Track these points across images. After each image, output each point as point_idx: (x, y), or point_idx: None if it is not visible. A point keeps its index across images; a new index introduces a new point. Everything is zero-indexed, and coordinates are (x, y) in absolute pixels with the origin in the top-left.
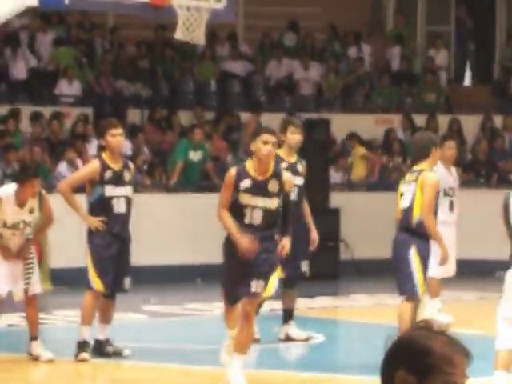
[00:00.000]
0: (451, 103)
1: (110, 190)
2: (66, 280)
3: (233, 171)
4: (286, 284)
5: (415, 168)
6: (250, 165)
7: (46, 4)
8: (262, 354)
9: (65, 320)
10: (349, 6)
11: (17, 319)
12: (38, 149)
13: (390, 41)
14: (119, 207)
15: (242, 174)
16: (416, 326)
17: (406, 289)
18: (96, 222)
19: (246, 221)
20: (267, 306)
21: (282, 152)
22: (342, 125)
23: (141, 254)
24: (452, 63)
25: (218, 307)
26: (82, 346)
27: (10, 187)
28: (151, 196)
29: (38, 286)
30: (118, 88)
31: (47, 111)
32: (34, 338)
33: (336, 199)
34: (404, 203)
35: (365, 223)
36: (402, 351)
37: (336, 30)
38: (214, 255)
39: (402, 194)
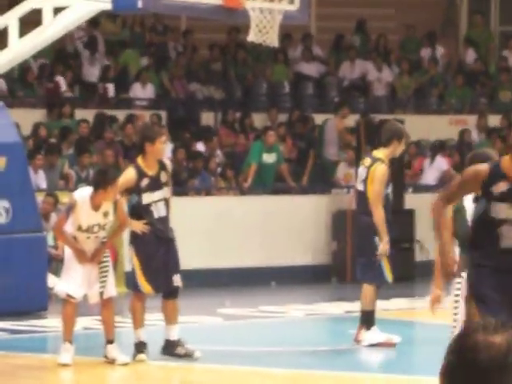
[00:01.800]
0: None
1: (147, 197)
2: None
3: (483, 168)
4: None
5: (374, 153)
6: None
7: (119, 7)
8: (339, 355)
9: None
10: (422, 7)
11: (93, 322)
12: (111, 152)
13: (463, 41)
14: (159, 211)
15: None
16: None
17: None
18: (140, 225)
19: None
20: (342, 308)
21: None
22: (415, 126)
23: (216, 257)
24: None
25: (292, 309)
26: (138, 347)
27: (86, 191)
28: (226, 199)
29: (113, 289)
30: (192, 91)
31: (121, 115)
32: (110, 341)
33: (410, 200)
34: (359, 186)
35: None
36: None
37: (411, 30)
38: (289, 258)
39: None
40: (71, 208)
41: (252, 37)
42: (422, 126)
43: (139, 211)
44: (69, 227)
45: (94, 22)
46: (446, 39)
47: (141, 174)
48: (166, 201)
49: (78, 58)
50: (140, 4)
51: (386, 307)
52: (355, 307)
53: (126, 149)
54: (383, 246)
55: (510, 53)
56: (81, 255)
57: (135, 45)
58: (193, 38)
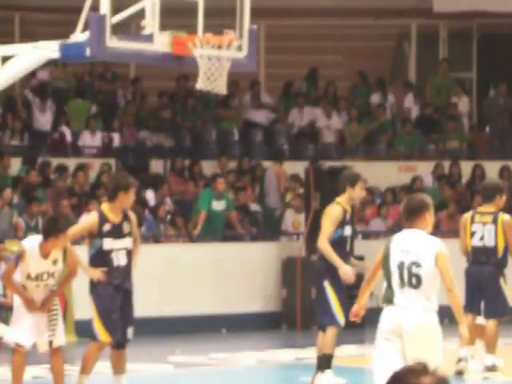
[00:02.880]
0: (474, 149)
1: (108, 243)
2: (91, 331)
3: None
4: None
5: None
6: None
7: (67, 56)
8: None
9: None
10: (371, 54)
11: (42, 371)
12: (66, 202)
13: (410, 88)
14: (119, 260)
15: None
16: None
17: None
18: (97, 273)
19: None
20: (293, 355)
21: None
22: (365, 172)
23: (166, 304)
24: (474, 109)
25: (243, 357)
26: None
27: (35, 239)
28: (175, 246)
29: (62, 338)
30: (141, 138)
31: (71, 163)
32: None
33: (361, 247)
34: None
35: None
36: None
37: (364, 76)
38: (239, 305)
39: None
40: (20, 257)
41: (200, 84)
42: (372, 173)
43: (100, 257)
44: (18, 276)
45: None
46: (394, 86)
47: (103, 220)
48: (128, 251)
49: (28, 106)
50: (88, 52)
51: (336, 354)
52: (306, 354)
53: (76, 197)
54: (342, 271)
55: (459, 99)
56: (30, 304)
57: (84, 93)
58: (142, 85)
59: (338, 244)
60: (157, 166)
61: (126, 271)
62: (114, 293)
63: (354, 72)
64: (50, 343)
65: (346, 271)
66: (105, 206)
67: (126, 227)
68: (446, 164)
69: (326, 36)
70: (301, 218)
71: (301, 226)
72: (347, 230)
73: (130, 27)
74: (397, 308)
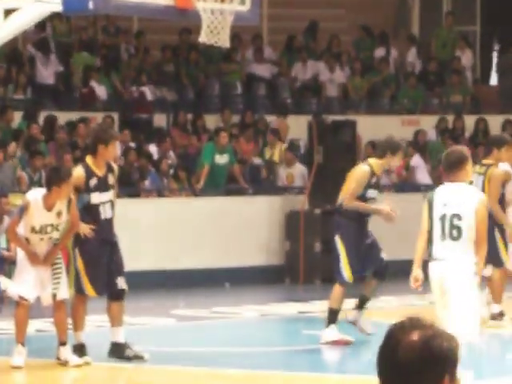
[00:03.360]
0: (478, 103)
1: (95, 198)
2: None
3: None
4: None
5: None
6: None
7: (70, 9)
8: (294, 355)
9: (92, 325)
10: (373, 8)
11: (45, 324)
12: (69, 156)
13: (414, 42)
14: (106, 213)
15: None
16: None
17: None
18: (86, 228)
19: None
20: (296, 308)
21: None
22: (368, 126)
23: (169, 258)
24: (478, 63)
25: (246, 310)
26: (78, 349)
27: (39, 192)
28: (178, 200)
29: (65, 292)
30: (144, 92)
31: (73, 116)
32: (62, 343)
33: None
34: None
35: (395, 224)
36: (442, 363)
37: (368, 30)
38: (243, 258)
39: None
40: (24, 209)
41: (203, 38)
42: (375, 127)
43: (87, 211)
44: (21, 229)
45: (44, 23)
46: (397, 40)
47: (89, 174)
48: (112, 203)
49: (32, 61)
50: (91, 5)
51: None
52: (308, 307)
53: (79, 150)
54: (383, 212)
55: (462, 53)
56: (33, 257)
57: (87, 47)
58: (145, 39)
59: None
60: (160, 119)
61: (111, 224)
62: (100, 247)
63: (356, 26)
64: (54, 296)
65: (383, 211)
66: (89, 160)
67: (110, 179)
68: (450, 118)
69: None
70: (293, 171)
71: (294, 179)
72: (370, 193)
73: None
74: (438, 261)
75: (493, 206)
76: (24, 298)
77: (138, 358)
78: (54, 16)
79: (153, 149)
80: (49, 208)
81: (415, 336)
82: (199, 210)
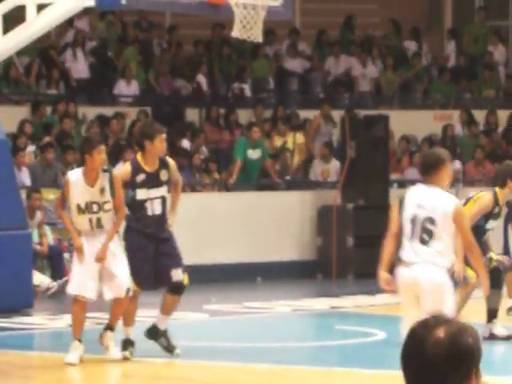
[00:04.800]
0: (510, 98)
1: (141, 194)
2: None
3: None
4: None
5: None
6: None
7: (103, 4)
8: (326, 351)
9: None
10: (405, 2)
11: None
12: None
13: (447, 36)
14: (153, 209)
15: None
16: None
17: None
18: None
19: None
20: (328, 304)
21: None
22: (400, 121)
23: (201, 253)
24: (510, 58)
25: (278, 305)
26: (125, 344)
27: (77, 170)
28: (210, 195)
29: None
30: (177, 87)
31: (106, 112)
32: (111, 328)
33: (396, 195)
34: None
35: None
36: (469, 358)
37: (397, 25)
38: (274, 253)
39: None
40: (64, 186)
41: (236, 32)
42: (407, 122)
43: (134, 206)
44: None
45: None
46: (430, 34)
47: (137, 170)
48: (164, 199)
49: (63, 56)
50: (124, 1)
51: (371, 302)
52: (341, 303)
53: (111, 147)
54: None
55: (495, 47)
56: (79, 251)
57: (121, 42)
58: (177, 34)
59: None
60: (192, 114)
61: (161, 220)
62: (145, 242)
63: (389, 20)
64: (128, 290)
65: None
66: (139, 156)
67: (162, 175)
68: (483, 113)
69: None
70: (328, 167)
71: (329, 174)
72: (490, 224)
73: None
74: (407, 264)
75: None
76: (80, 295)
77: (168, 350)
78: (88, 11)
79: (185, 144)
80: (91, 183)
81: (441, 333)
82: (232, 205)
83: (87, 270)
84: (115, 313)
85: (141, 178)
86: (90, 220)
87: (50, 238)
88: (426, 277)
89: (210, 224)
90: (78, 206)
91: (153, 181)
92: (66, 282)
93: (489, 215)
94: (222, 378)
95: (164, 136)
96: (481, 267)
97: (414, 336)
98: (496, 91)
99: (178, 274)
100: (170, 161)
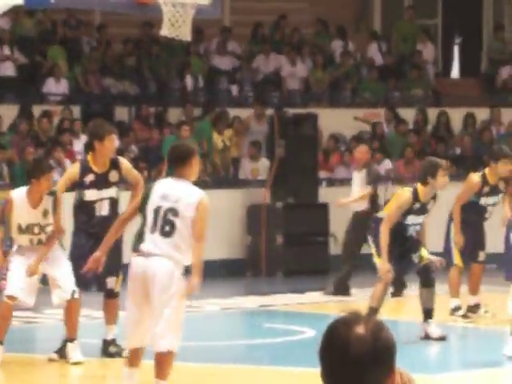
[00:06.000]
0: (439, 96)
1: (90, 194)
2: None
3: None
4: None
5: None
6: None
7: (31, 2)
8: (255, 349)
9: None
10: (335, 1)
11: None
12: (31, 149)
13: (376, 35)
14: (100, 210)
15: None
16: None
17: None
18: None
19: None
20: (257, 302)
21: None
22: (329, 119)
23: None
24: (439, 56)
25: (208, 304)
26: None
27: (22, 189)
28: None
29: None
30: (106, 86)
31: (35, 110)
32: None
33: (325, 194)
34: None
35: None
36: (390, 350)
37: (325, 24)
38: (205, 252)
39: None
40: (6, 204)
41: (165, 31)
42: (337, 120)
43: (81, 207)
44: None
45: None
46: (359, 33)
47: (85, 170)
48: (112, 201)
49: None
50: None
51: (300, 301)
52: (270, 301)
53: (41, 144)
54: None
55: (424, 46)
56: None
57: (49, 40)
58: (106, 32)
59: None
60: (122, 113)
61: (107, 221)
62: (84, 241)
63: (318, 19)
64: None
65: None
66: (89, 156)
67: (112, 176)
68: (412, 111)
69: None
70: (257, 166)
71: (258, 173)
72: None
73: None
74: (144, 255)
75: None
76: (14, 296)
77: (119, 354)
78: (16, 10)
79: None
80: (34, 205)
81: (362, 330)
82: None
83: (25, 282)
84: (70, 322)
85: (90, 178)
86: (31, 240)
87: None
88: (159, 270)
89: (140, 221)
90: (19, 226)
91: (102, 182)
92: None
93: (409, 211)
94: (150, 378)
95: (114, 136)
96: (198, 266)
97: (334, 334)
98: (425, 90)
99: (111, 283)
100: (123, 161)
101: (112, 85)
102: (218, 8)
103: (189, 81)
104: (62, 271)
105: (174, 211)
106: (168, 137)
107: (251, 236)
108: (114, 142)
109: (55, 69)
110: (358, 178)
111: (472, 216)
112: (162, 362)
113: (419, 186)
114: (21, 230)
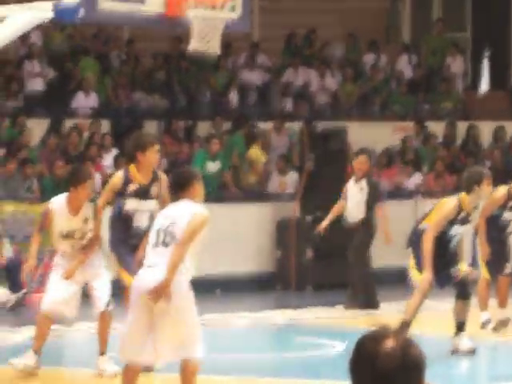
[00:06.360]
0: (468, 110)
1: (130, 204)
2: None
3: None
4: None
5: None
6: None
7: (60, 17)
8: (286, 362)
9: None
10: (365, 15)
11: None
12: (61, 163)
13: (405, 48)
14: (139, 221)
15: None
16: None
17: None
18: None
19: None
20: (286, 316)
21: None
22: (359, 133)
23: None
24: (469, 70)
25: (238, 318)
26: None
27: (61, 197)
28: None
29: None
30: (135, 100)
31: (65, 124)
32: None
33: None
34: None
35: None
36: (419, 365)
37: (355, 39)
38: (234, 266)
39: None
40: (44, 216)
41: (194, 45)
42: (366, 134)
43: (120, 217)
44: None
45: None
46: (388, 47)
47: (127, 180)
48: (151, 214)
49: (21, 69)
50: (81, 13)
51: (330, 314)
52: (300, 315)
53: (70, 158)
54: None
55: (453, 59)
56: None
57: (79, 54)
58: (135, 47)
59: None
60: (151, 127)
61: (144, 234)
62: (132, 251)
63: (347, 33)
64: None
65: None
66: (131, 167)
67: (153, 189)
68: (441, 125)
69: None
70: (285, 179)
71: (286, 186)
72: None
73: None
74: (146, 268)
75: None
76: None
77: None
78: (47, 25)
79: None
80: (74, 213)
81: (391, 345)
82: None
83: (63, 289)
84: (100, 335)
85: (131, 188)
86: (73, 245)
87: (10, 250)
88: (161, 277)
89: None
90: (61, 233)
91: (143, 193)
92: (25, 294)
93: (453, 221)
94: None
95: (157, 147)
96: (175, 267)
97: (363, 349)
98: (454, 103)
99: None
100: (163, 176)
101: (142, 99)
102: (247, 22)
103: (234, 96)
104: (100, 281)
105: (174, 225)
106: (198, 150)
107: (281, 250)
108: (156, 153)
109: (84, 82)
110: (356, 188)
111: (496, 229)
112: (189, 372)
113: (463, 195)
114: (62, 236)
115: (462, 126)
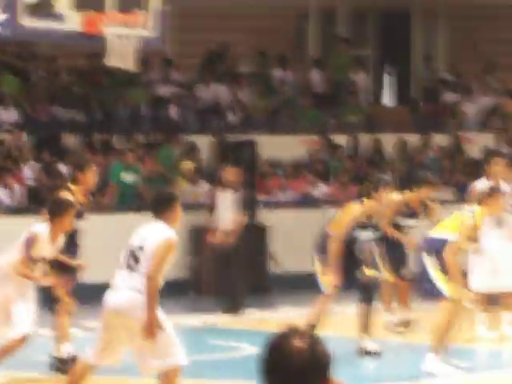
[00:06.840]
0: (372, 123)
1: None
2: None
3: None
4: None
5: None
6: None
7: None
8: (199, 365)
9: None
10: (272, 32)
11: None
12: None
13: (312, 64)
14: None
15: None
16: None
17: None
18: None
19: None
20: (201, 320)
21: None
22: (268, 146)
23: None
24: (371, 85)
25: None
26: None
27: (43, 224)
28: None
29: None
30: (54, 114)
31: None
32: None
33: (263, 216)
34: None
35: (291, 238)
36: (327, 361)
37: (264, 54)
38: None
39: None
40: (31, 242)
41: (109, 61)
42: (275, 147)
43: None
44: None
45: None
46: (295, 63)
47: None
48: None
49: None
50: (1, 30)
51: (238, 318)
52: (212, 319)
53: None
54: None
55: (357, 75)
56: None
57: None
58: (55, 63)
59: None
60: (68, 139)
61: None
62: None
63: (256, 49)
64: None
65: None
66: (74, 187)
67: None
68: (346, 137)
69: (232, 15)
70: (197, 189)
71: (198, 196)
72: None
73: (42, 6)
74: (112, 290)
75: None
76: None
77: None
78: None
79: (62, 167)
80: (53, 241)
81: (300, 343)
82: (108, 227)
83: None
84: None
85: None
86: (32, 270)
87: None
88: (127, 304)
89: (88, 245)
90: (43, 259)
91: (81, 212)
92: None
93: (358, 225)
94: None
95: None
96: (153, 300)
97: (274, 348)
98: (359, 116)
99: None
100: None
101: (60, 113)
102: (162, 39)
103: (148, 110)
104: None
105: (140, 250)
106: (113, 162)
107: (193, 257)
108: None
109: (5, 98)
110: (229, 199)
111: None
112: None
113: (367, 201)
114: (33, 262)
115: (366, 138)
